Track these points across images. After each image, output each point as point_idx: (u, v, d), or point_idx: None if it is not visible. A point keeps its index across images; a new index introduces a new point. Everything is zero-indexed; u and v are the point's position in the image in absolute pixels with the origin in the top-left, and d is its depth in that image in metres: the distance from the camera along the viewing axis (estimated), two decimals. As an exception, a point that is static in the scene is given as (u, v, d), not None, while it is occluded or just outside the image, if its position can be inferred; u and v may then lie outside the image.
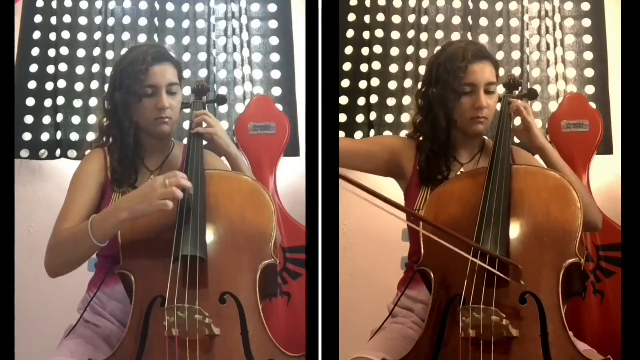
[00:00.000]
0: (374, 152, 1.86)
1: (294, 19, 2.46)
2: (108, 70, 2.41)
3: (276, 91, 2.44)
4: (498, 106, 1.86)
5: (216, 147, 1.84)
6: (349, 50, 2.45)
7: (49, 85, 2.43)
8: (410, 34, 2.44)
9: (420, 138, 1.84)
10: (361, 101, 2.44)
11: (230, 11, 2.45)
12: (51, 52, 2.45)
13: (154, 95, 1.73)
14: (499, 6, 2.42)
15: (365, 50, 2.45)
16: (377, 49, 2.45)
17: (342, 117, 2.42)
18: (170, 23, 2.46)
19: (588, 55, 2.37)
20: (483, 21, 2.42)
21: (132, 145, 1.76)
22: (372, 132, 2.41)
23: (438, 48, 1.97)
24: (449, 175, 1.77)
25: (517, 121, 1.88)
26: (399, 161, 1.83)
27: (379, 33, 2.46)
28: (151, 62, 1.72)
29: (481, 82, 1.73)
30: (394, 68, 2.44)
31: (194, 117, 1.82)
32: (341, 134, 2.41)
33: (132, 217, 1.53)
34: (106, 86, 2.33)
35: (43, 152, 2.42)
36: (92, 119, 2.42)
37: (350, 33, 2.46)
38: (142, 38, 2.45)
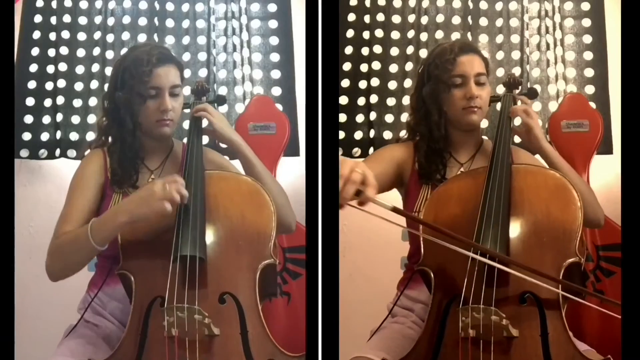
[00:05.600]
0: (382, 173, 1.77)
1: (294, 19, 2.46)
2: (108, 70, 2.41)
3: (276, 91, 2.44)
4: (498, 106, 1.86)
5: (218, 135, 1.81)
6: (349, 50, 2.45)
7: (49, 85, 2.43)
8: (410, 34, 2.44)
9: (417, 138, 1.85)
10: (361, 101, 2.44)
11: (230, 11, 2.45)
12: (51, 52, 2.45)
13: (157, 97, 1.72)
14: (499, 6, 2.42)
15: (365, 50, 2.45)
16: (377, 49, 2.45)
17: (342, 117, 2.42)
18: (170, 23, 2.46)
19: (588, 55, 2.37)
20: (483, 21, 2.42)
21: (133, 145, 1.75)
22: (372, 132, 2.41)
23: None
24: (445, 173, 1.77)
25: (517, 120, 1.87)
26: (401, 171, 1.83)
27: (379, 33, 2.45)
28: (156, 63, 1.71)
29: (471, 73, 1.76)
30: (394, 68, 2.44)
31: (194, 112, 1.80)
32: (341, 134, 2.41)
33: (131, 220, 1.53)
34: (106, 86, 2.33)
35: (43, 152, 2.42)
36: (92, 118, 2.42)
37: (350, 33, 2.46)
38: (142, 38, 2.45)
